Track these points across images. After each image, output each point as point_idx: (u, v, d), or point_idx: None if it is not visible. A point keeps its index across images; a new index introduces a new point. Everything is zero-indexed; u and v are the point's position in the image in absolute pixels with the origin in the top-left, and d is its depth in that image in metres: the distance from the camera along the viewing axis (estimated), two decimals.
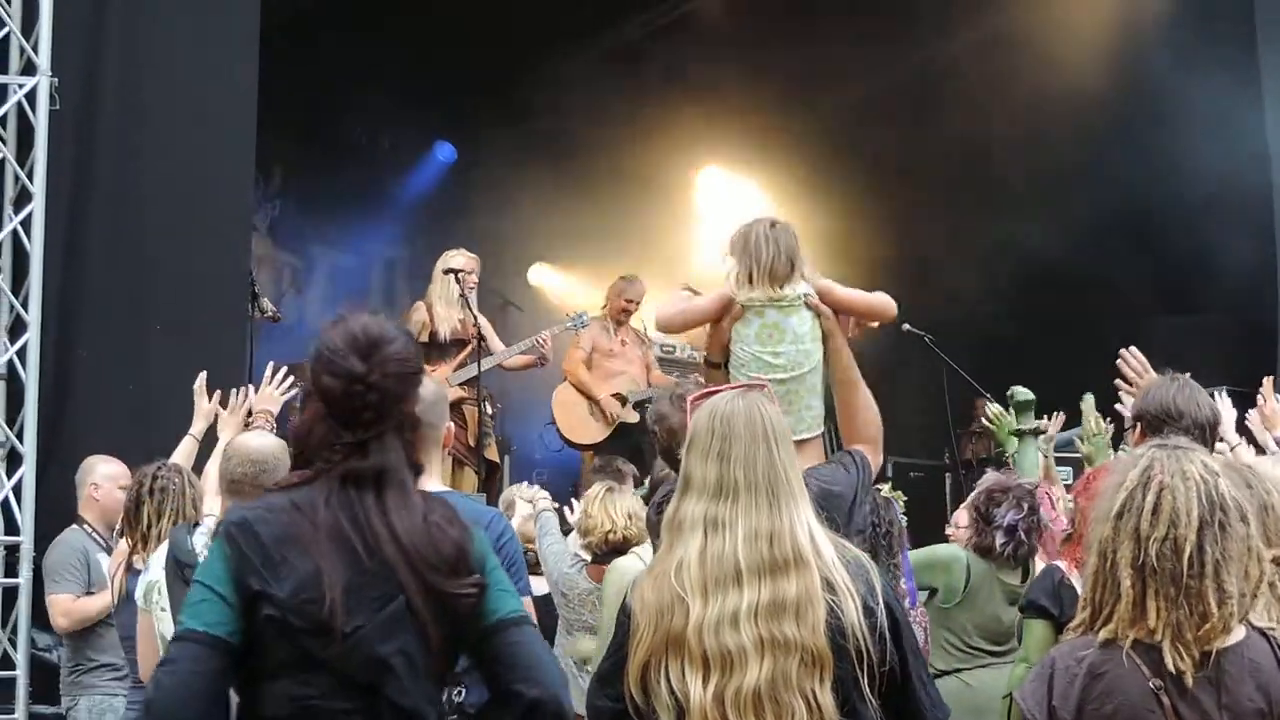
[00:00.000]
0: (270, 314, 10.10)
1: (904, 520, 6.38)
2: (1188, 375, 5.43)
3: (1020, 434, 7.39)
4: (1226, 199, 11.60)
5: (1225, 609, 3.23)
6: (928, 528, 8.50)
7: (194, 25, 9.49)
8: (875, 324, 5.34)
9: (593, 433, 12.19)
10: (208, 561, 3.51)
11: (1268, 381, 7.10)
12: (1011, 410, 7.47)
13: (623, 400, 12.15)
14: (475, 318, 11.12)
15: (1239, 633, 3.30)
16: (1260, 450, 6.97)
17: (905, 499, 6.53)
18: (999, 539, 6.77)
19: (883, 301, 5.20)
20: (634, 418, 11.85)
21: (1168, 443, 3.43)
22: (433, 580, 3.50)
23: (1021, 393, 7.42)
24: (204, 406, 7.06)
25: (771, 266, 4.93)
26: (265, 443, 5.68)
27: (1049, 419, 7.70)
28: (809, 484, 4.34)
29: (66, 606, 7.51)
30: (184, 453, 6.92)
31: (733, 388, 3.96)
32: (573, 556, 7.13)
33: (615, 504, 6.90)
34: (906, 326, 11.75)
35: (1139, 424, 5.30)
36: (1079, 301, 13.63)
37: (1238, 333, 12.15)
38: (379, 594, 3.47)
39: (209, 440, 6.96)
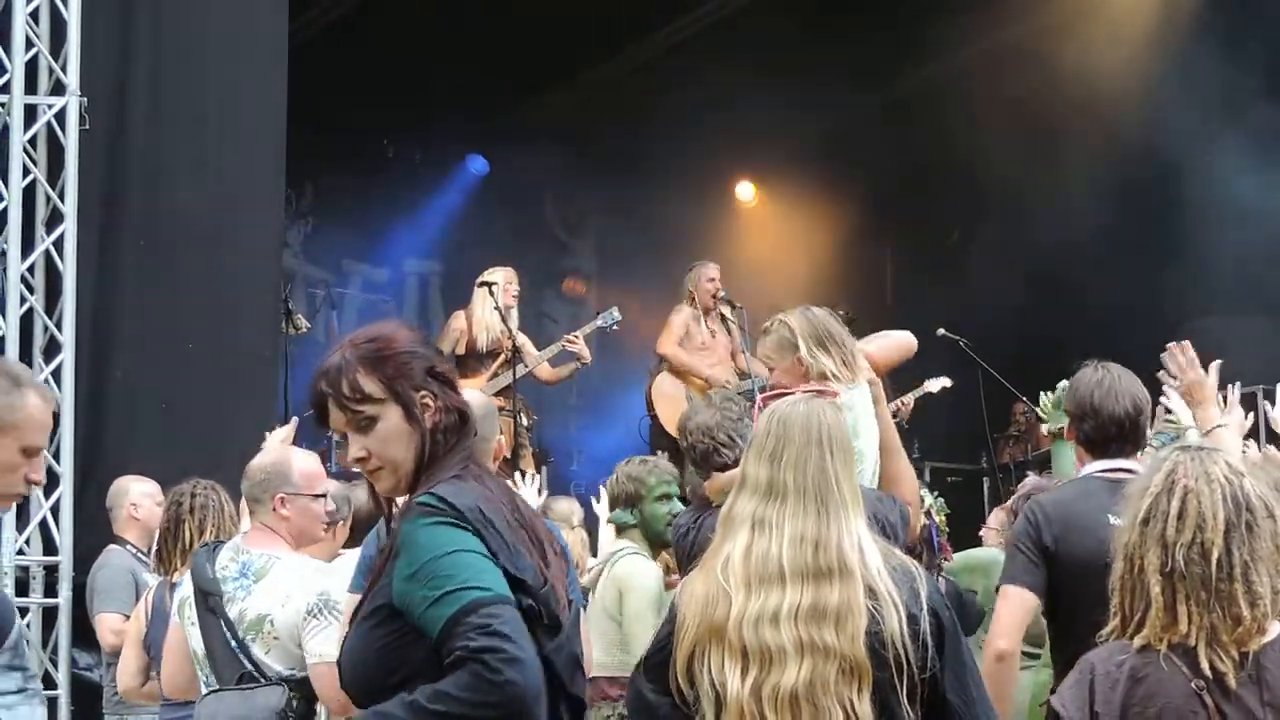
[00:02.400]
0: (303, 329, 10.15)
1: (943, 527, 6.33)
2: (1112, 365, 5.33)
3: (1058, 434, 7.33)
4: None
5: (1258, 609, 3.20)
6: (966, 533, 8.48)
7: (222, 42, 9.54)
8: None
9: None
10: (449, 534, 3.23)
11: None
12: (1051, 406, 7.40)
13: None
14: (511, 332, 11.13)
15: (1274, 630, 3.28)
16: None
17: (943, 505, 6.47)
18: None
19: (906, 344, 5.27)
20: None
21: (1190, 444, 3.41)
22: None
23: (1063, 388, 7.36)
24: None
25: (852, 352, 5.12)
26: (264, 459, 5.65)
27: None
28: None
29: (118, 625, 7.47)
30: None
31: (802, 390, 3.99)
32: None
33: None
34: (941, 331, 11.76)
35: (1068, 419, 5.29)
36: (1116, 302, 13.55)
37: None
38: (563, 592, 3.46)
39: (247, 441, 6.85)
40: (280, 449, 5.89)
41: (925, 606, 3.56)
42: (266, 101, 9.59)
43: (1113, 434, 5.05)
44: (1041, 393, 7.30)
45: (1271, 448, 6.70)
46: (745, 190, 16.44)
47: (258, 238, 9.62)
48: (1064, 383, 7.22)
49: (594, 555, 7.68)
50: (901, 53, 14.32)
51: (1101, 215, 13.59)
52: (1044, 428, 7.24)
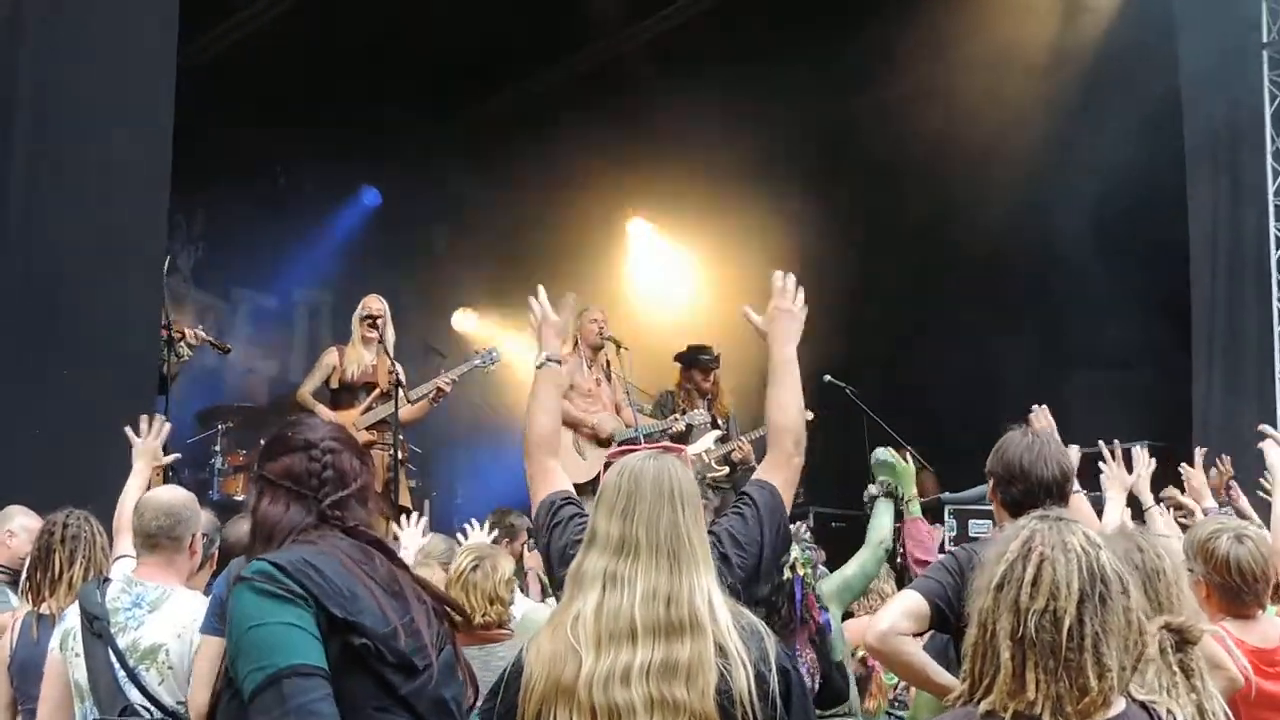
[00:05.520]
0: (185, 357, 10.09)
1: (809, 581, 6.30)
2: (1035, 431, 5.45)
3: (871, 499, 7.37)
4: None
5: (1105, 682, 3.21)
6: None
7: (108, 64, 9.40)
8: None
9: (582, 470, 11.31)
10: (261, 604, 3.48)
11: (1198, 455, 7.19)
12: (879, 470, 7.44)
13: (608, 441, 11.77)
14: (391, 362, 11.10)
15: (1119, 705, 3.29)
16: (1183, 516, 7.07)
17: (809, 558, 6.45)
18: None
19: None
20: None
21: (1049, 514, 3.43)
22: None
23: (879, 453, 7.42)
24: (138, 445, 6.87)
25: None
26: (175, 496, 5.71)
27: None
28: (721, 538, 4.38)
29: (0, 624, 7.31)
30: (134, 490, 6.65)
31: (649, 448, 3.97)
32: None
33: (478, 587, 6.60)
34: (827, 378, 11.81)
35: (991, 480, 5.29)
36: (993, 352, 13.75)
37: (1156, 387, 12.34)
38: (430, 639, 3.64)
39: (122, 470, 6.79)
40: (176, 490, 5.89)
41: (774, 666, 3.56)
42: (152, 125, 9.48)
43: (1041, 497, 5.06)
44: (877, 450, 7.36)
45: (1150, 514, 6.83)
46: (641, 229, 16.45)
47: (137, 265, 9.47)
48: (880, 450, 7.33)
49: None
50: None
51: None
52: (870, 490, 7.29)
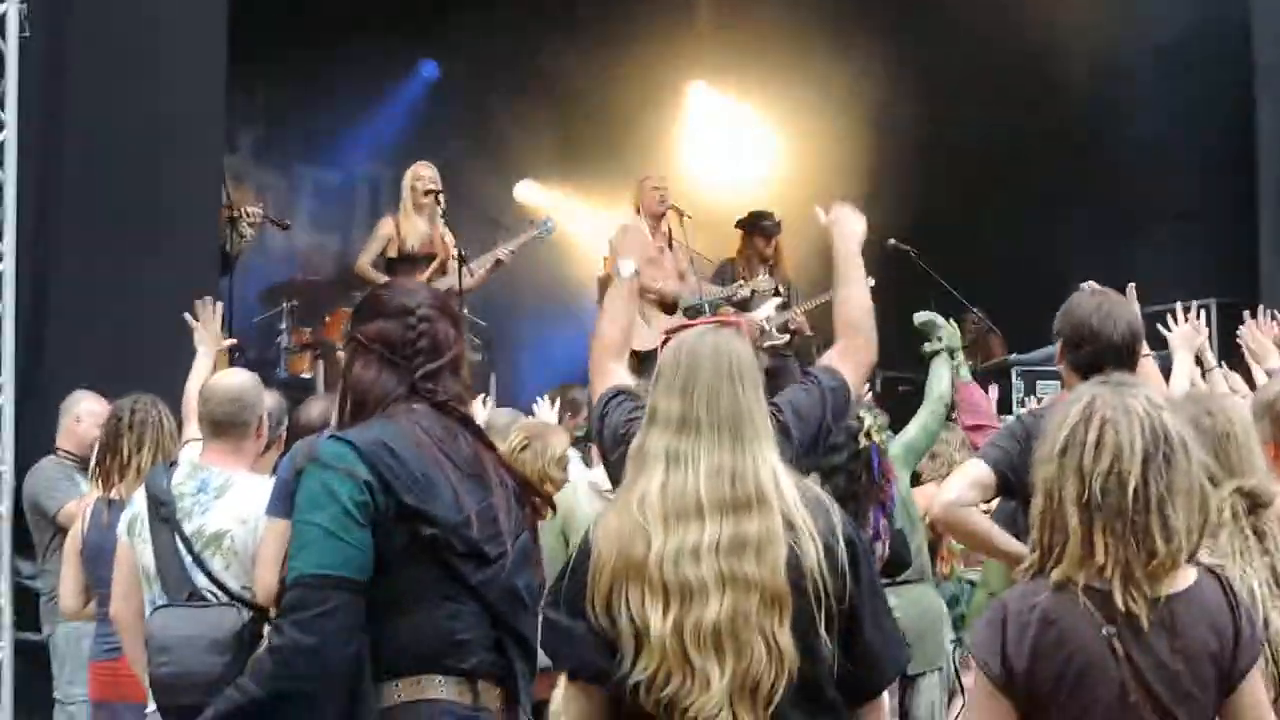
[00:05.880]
0: (248, 236, 10.14)
1: (884, 447, 6.26)
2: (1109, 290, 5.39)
3: (929, 356, 7.31)
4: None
5: (1172, 545, 3.19)
6: None
7: None
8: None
9: (647, 337, 10.63)
10: (319, 495, 3.53)
11: (1249, 319, 7.06)
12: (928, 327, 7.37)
13: (673, 307, 11.80)
14: (453, 234, 11.12)
15: (1189, 575, 3.27)
16: (1249, 378, 6.96)
17: (883, 424, 6.42)
18: None
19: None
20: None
21: (1110, 379, 3.39)
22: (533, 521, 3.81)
23: (918, 317, 7.35)
24: (199, 330, 6.86)
25: None
26: (239, 380, 5.73)
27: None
28: (782, 408, 4.37)
29: (71, 510, 7.36)
30: (200, 374, 6.55)
31: (706, 322, 3.96)
32: None
33: (528, 466, 6.54)
34: (892, 241, 11.74)
35: (1060, 340, 5.22)
36: (1052, 212, 13.62)
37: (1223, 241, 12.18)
38: (508, 526, 3.66)
39: (188, 354, 6.81)
40: (240, 373, 5.93)
41: (841, 537, 3.56)
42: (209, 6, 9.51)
43: (1110, 359, 5.01)
44: (915, 314, 7.30)
45: (1213, 376, 6.74)
46: (701, 92, 16.28)
47: (198, 147, 9.58)
48: (921, 314, 7.26)
49: None
50: None
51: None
52: (926, 347, 7.22)
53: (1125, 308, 5.24)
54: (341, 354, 3.92)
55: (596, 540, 3.57)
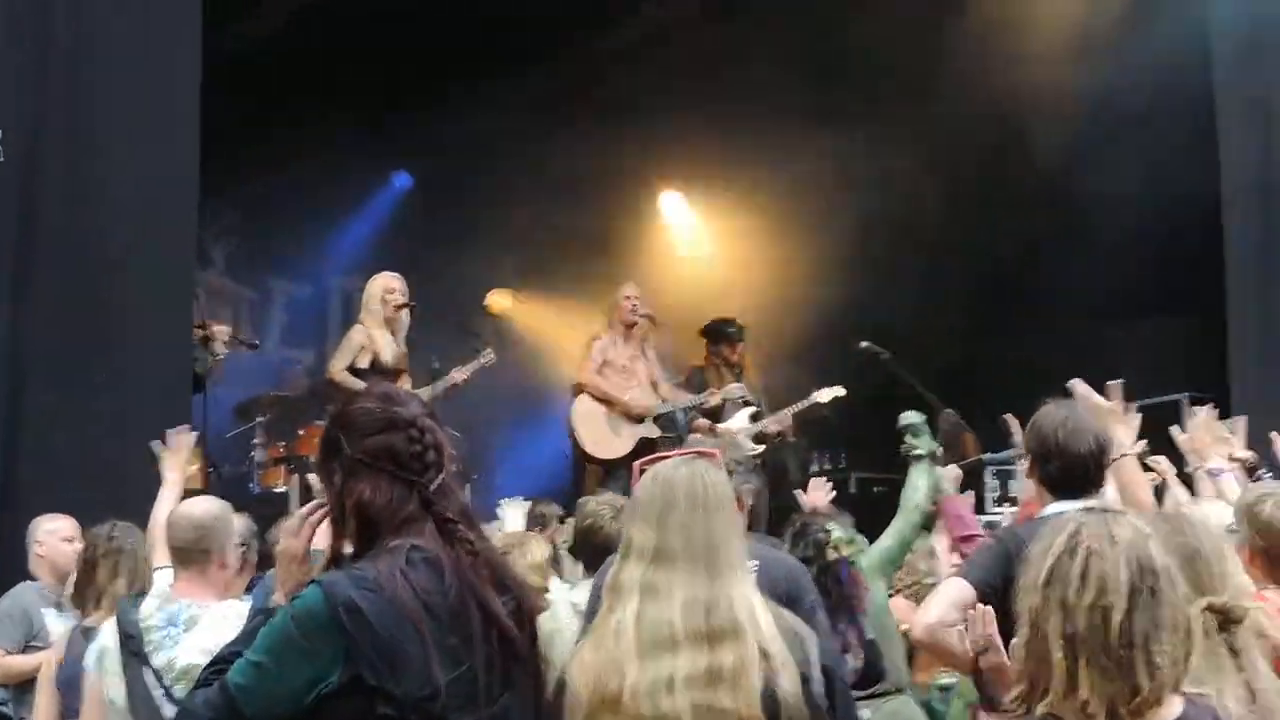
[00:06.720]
0: (220, 356, 10.15)
1: (854, 559, 6.27)
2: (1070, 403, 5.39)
3: (909, 456, 7.29)
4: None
5: (1156, 680, 3.16)
6: None
7: (137, 65, 9.50)
8: None
9: (617, 446, 11.86)
10: (280, 646, 3.33)
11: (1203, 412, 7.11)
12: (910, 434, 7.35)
13: (641, 417, 11.98)
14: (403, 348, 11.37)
15: (1175, 707, 3.25)
16: (1186, 480, 7.00)
17: (850, 535, 6.42)
18: None
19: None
20: (656, 433, 11.83)
21: (1095, 505, 3.40)
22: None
23: (904, 417, 7.34)
24: (170, 456, 6.84)
25: None
26: (203, 508, 5.66)
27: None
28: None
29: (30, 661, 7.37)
30: (167, 503, 6.45)
31: (680, 454, 3.97)
32: None
33: None
34: (864, 344, 11.77)
35: (1029, 455, 5.25)
36: (1028, 309, 13.71)
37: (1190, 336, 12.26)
38: (487, 689, 3.37)
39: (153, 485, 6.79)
40: (208, 501, 5.88)
41: (816, 668, 3.56)
42: (180, 122, 9.60)
43: (1078, 474, 5.05)
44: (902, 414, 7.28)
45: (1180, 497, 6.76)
46: (674, 202, 16.39)
47: (168, 267, 9.57)
48: (908, 414, 7.24)
49: None
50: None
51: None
52: (904, 449, 7.20)
53: (1091, 421, 5.26)
54: (324, 472, 3.62)
55: (572, 676, 3.59)
